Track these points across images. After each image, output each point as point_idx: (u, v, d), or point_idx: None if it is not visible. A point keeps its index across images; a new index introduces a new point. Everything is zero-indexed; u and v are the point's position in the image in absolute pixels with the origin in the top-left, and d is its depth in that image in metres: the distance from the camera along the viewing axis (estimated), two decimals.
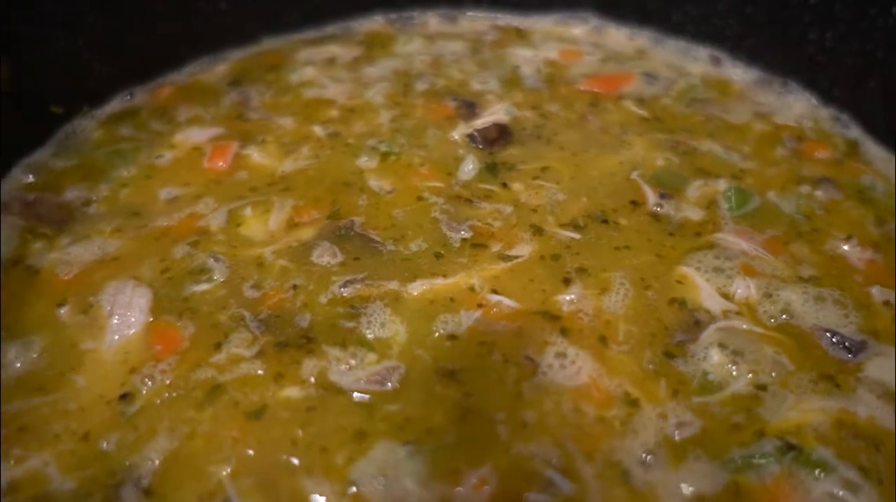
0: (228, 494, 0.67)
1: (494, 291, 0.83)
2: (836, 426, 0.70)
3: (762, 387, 0.72)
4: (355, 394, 0.74)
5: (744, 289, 0.82)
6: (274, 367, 0.77)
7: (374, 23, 1.37)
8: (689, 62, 1.22)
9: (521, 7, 1.36)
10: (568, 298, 0.82)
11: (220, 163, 1.05)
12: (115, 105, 1.17)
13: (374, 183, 1.00)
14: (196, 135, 1.11)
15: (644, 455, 0.68)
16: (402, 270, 0.87)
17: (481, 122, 1.10)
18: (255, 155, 1.06)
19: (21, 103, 1.04)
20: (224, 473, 0.69)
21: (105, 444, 0.71)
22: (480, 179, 1.00)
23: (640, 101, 1.14)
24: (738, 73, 1.18)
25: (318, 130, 1.10)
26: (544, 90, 1.18)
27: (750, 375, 0.73)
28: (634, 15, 1.28)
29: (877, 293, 0.82)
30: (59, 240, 0.94)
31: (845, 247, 0.88)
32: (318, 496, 0.67)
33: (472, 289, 0.84)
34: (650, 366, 0.75)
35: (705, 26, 1.21)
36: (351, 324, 0.81)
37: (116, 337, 0.81)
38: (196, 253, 0.90)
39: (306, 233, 0.92)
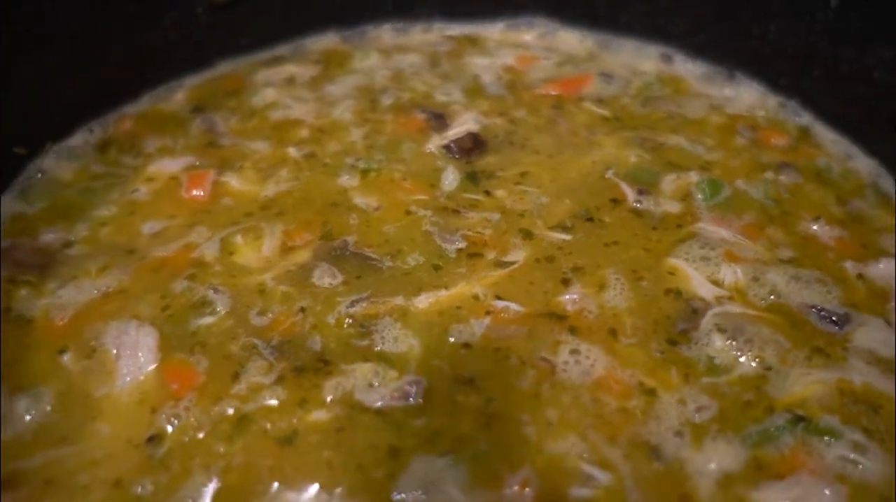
0: None
1: (499, 297, 0.86)
2: (837, 394, 0.75)
3: (768, 367, 0.78)
4: (382, 411, 0.76)
5: (731, 274, 0.88)
6: (296, 392, 0.78)
7: (328, 40, 1.38)
8: (642, 61, 1.28)
9: (470, 15, 1.39)
10: (570, 297, 0.86)
11: (200, 193, 1.04)
12: (77, 141, 1.15)
13: (359, 201, 1.01)
14: (169, 166, 1.10)
15: (671, 437, 0.72)
16: (404, 285, 0.89)
17: (454, 132, 1.12)
18: (234, 181, 1.06)
19: None
20: None
21: (140, 489, 0.71)
22: (464, 189, 1.03)
23: (601, 102, 1.19)
24: (689, 69, 1.24)
25: (293, 152, 1.11)
26: (508, 97, 1.21)
27: (754, 358, 0.78)
28: (583, 18, 1.33)
29: (850, 267, 0.89)
30: (45, 285, 0.92)
31: (815, 228, 0.94)
32: None
33: (476, 297, 0.87)
34: (658, 355, 0.80)
35: (653, 25, 1.27)
36: (364, 343, 0.82)
37: (129, 379, 0.80)
38: (195, 285, 0.90)
39: (302, 257, 0.93)
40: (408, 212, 0.99)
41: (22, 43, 1.07)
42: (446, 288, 0.88)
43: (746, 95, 1.18)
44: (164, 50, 1.25)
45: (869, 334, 0.81)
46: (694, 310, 0.84)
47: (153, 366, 0.81)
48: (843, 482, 0.68)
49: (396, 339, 0.82)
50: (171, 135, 1.16)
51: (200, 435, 0.75)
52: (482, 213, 0.98)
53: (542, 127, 1.14)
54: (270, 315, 0.86)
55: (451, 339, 0.82)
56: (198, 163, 1.10)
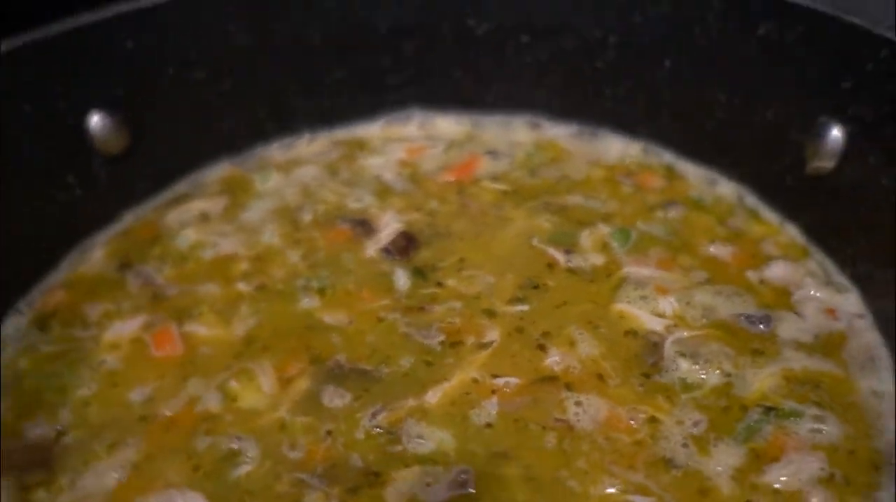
0: None
1: (495, 375, 0.99)
2: (786, 382, 0.95)
3: (728, 374, 0.96)
4: None
5: (668, 305, 1.06)
6: None
7: (222, 169, 1.44)
8: (515, 132, 1.46)
9: (349, 119, 1.51)
10: (552, 360, 1.00)
11: (171, 349, 1.08)
12: (11, 327, 1.14)
13: (329, 319, 1.10)
14: (125, 329, 1.12)
15: (681, 449, 0.88)
16: (409, 387, 0.99)
17: (385, 235, 1.24)
18: (200, 329, 1.11)
19: None
20: None
21: None
22: (417, 286, 1.14)
23: (496, 179, 1.35)
24: (557, 132, 1.44)
25: (243, 287, 1.17)
26: (415, 191, 1.35)
27: (715, 369, 0.97)
28: (453, 103, 1.49)
29: (751, 275, 1.10)
30: (58, 481, 0.93)
31: (712, 249, 1.16)
32: None
33: (475, 380, 0.99)
34: (641, 389, 0.96)
35: (517, 99, 1.46)
36: (399, 448, 0.92)
37: None
38: (216, 439, 0.95)
39: (303, 385, 1.01)
40: (380, 320, 1.09)
41: None
42: (447, 379, 0.99)
43: (613, 146, 1.39)
44: (70, 210, 1.26)
45: (787, 327, 1.02)
46: (654, 344, 1.01)
47: None
48: (819, 448, 0.88)
49: (426, 437, 0.93)
50: (111, 298, 1.18)
51: None
52: (444, 304, 1.10)
53: (456, 213, 1.28)
54: (302, 446, 0.93)
55: (475, 423, 0.94)
56: (153, 320, 1.13)
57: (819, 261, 1.12)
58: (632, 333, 1.04)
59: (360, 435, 0.94)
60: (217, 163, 1.45)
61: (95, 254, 1.27)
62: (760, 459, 0.88)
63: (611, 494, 0.85)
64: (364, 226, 1.26)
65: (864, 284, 1.05)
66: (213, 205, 1.36)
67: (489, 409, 0.95)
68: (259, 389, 1.01)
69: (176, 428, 0.97)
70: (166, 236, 1.29)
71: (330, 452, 0.92)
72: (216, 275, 1.20)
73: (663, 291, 1.09)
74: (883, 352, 0.98)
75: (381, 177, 1.39)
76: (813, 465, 0.85)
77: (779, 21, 1.12)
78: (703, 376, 0.97)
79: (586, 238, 1.20)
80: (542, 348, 1.03)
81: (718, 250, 1.15)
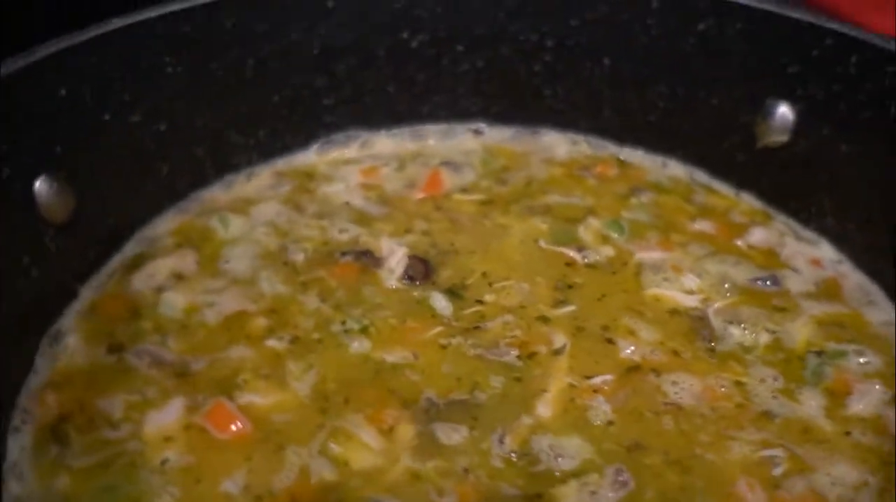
0: None
1: (587, 376, 1.05)
2: (819, 327, 1.13)
3: (773, 332, 1.11)
4: None
5: (690, 281, 1.19)
6: None
7: (170, 221, 1.31)
8: (460, 142, 1.50)
9: (286, 149, 1.45)
10: (627, 351, 1.09)
11: (239, 426, 1.00)
12: (17, 448, 0.97)
13: (391, 358, 1.08)
14: (166, 418, 1.01)
15: (774, 400, 1.02)
16: (514, 406, 1.02)
17: (395, 262, 1.23)
18: (256, 399, 1.03)
19: None
20: None
21: None
22: (460, 307, 1.16)
23: (466, 191, 1.39)
24: (501, 135, 1.50)
25: (276, 344, 1.10)
26: (393, 213, 1.34)
27: (762, 330, 1.11)
28: (389, 119, 1.49)
29: (740, 243, 1.27)
30: None
31: (696, 226, 1.30)
32: None
33: (572, 385, 1.04)
34: (713, 360, 1.08)
35: (454, 108, 1.50)
36: (542, 467, 0.95)
37: None
38: None
39: (410, 431, 0.99)
40: (443, 348, 1.10)
41: None
42: (545, 390, 1.03)
43: (557, 144, 1.49)
44: (31, 297, 1.09)
45: (792, 282, 1.20)
46: (699, 318, 1.14)
47: None
48: (873, 377, 1.06)
49: (562, 449, 0.97)
50: (126, 387, 1.05)
51: None
52: (496, 320, 1.13)
53: (450, 229, 1.30)
54: (451, 490, 0.92)
55: (596, 424, 0.99)
56: (195, 401, 1.03)
57: (783, 221, 1.31)
58: (675, 312, 1.15)
59: (497, 463, 0.95)
60: (162, 214, 1.33)
61: (70, 344, 1.11)
62: (836, 396, 1.04)
63: (747, 455, 0.96)
64: (368, 257, 1.24)
65: (832, 235, 1.26)
66: (181, 261, 1.24)
67: (602, 408, 1.01)
68: (366, 446, 0.98)
69: None
70: (146, 307, 1.17)
71: (479, 488, 0.93)
72: (237, 338, 1.11)
73: (678, 270, 1.21)
74: (873, 288, 1.19)
75: (350, 203, 1.36)
76: (877, 392, 1.03)
77: (718, 18, 1.29)
78: (754, 338, 1.11)
79: (584, 233, 1.29)
80: (610, 341, 1.10)
81: (701, 225, 1.31)
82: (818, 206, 1.27)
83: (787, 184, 1.31)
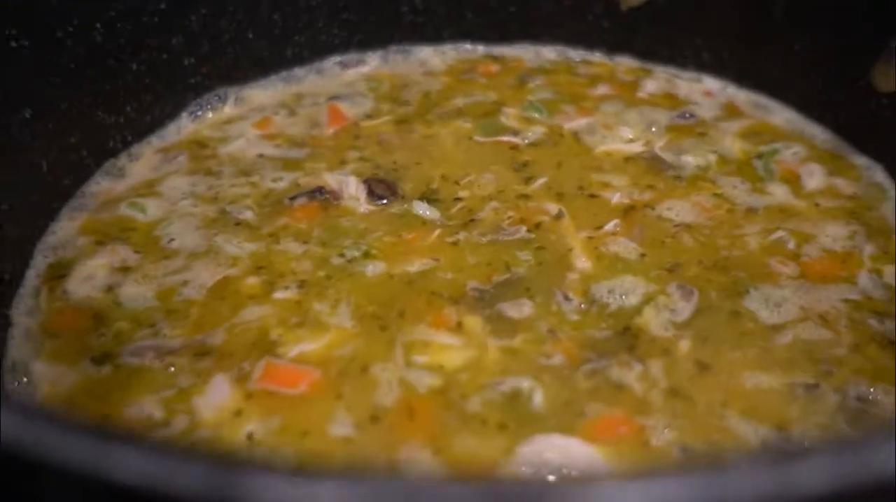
0: None
1: (598, 227, 1.11)
2: (745, 138, 1.29)
3: (714, 151, 1.26)
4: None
5: (625, 132, 1.30)
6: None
7: (72, 223, 1.14)
8: (337, 75, 1.46)
9: (158, 123, 1.32)
10: (615, 198, 1.16)
11: (304, 378, 0.91)
12: None
13: (414, 268, 1.05)
14: (217, 396, 0.90)
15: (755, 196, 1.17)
16: (553, 269, 1.05)
17: (355, 188, 1.18)
18: (305, 347, 0.96)
19: None
20: None
21: None
22: (445, 208, 1.15)
23: (371, 117, 1.36)
24: (372, 63, 1.49)
25: (285, 295, 1.02)
26: (318, 152, 1.27)
27: (706, 153, 1.25)
28: (255, 69, 1.42)
29: (642, 94, 1.40)
30: None
31: (597, 91, 1.42)
32: None
33: (590, 237, 1.10)
34: (685, 184, 1.20)
35: (318, 44, 1.46)
36: (614, 306, 1.00)
37: None
38: (484, 392, 0.88)
39: (476, 322, 0.98)
40: (455, 245, 1.09)
41: None
42: (571, 248, 1.08)
43: (431, 58, 1.51)
44: None
45: (701, 110, 1.35)
46: (652, 157, 1.25)
47: None
48: (805, 161, 1.24)
49: (620, 287, 1.02)
50: (147, 388, 0.92)
51: None
52: (485, 209, 1.15)
53: (384, 150, 1.27)
54: (554, 352, 0.94)
55: (633, 257, 1.06)
56: (238, 373, 0.92)
57: (663, 70, 1.47)
58: (629, 159, 1.25)
59: (574, 317, 0.99)
60: (57, 219, 1.15)
61: (38, 370, 0.95)
62: (791, 181, 1.20)
63: (761, 242, 1.09)
64: (322, 193, 1.18)
65: (710, 68, 1.43)
66: (114, 256, 1.10)
67: (629, 245, 1.08)
68: (448, 346, 0.95)
69: (421, 416, 0.87)
70: (107, 308, 1.02)
71: (575, 339, 0.95)
72: (239, 302, 1.02)
73: (608, 127, 1.32)
74: (761, 99, 1.38)
75: (265, 154, 1.28)
76: (817, 168, 1.22)
77: None
78: (705, 159, 1.24)
79: (508, 121, 1.34)
80: (593, 196, 1.17)
81: (601, 90, 1.42)
82: (691, 48, 1.44)
83: (658, 36, 1.46)
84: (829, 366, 0.93)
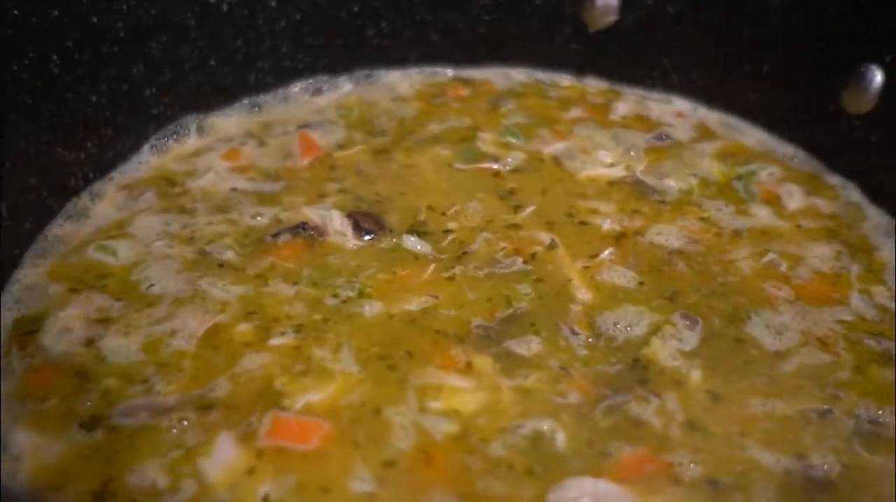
0: None
1: (593, 256, 1.12)
2: (721, 160, 1.32)
3: (694, 175, 1.29)
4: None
5: (604, 156, 1.32)
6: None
7: (38, 270, 1.08)
8: (304, 102, 1.43)
9: (120, 158, 1.26)
10: (605, 225, 1.17)
11: (314, 431, 0.89)
12: None
13: (413, 307, 1.04)
14: (224, 456, 0.87)
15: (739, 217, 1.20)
16: (553, 301, 1.05)
17: (339, 223, 1.16)
18: (311, 397, 0.93)
19: None
20: None
21: None
22: (436, 242, 1.14)
23: (344, 146, 1.33)
24: (340, 89, 1.47)
25: (282, 341, 0.99)
26: (292, 185, 1.24)
27: (685, 176, 1.28)
28: (218, 97, 1.37)
29: (613, 116, 1.42)
30: None
31: (570, 114, 1.43)
32: None
33: (587, 267, 1.11)
34: (670, 209, 1.22)
35: (282, 70, 1.43)
36: (621, 339, 1.01)
37: None
38: (494, 445, 0.88)
39: (485, 362, 0.97)
40: (451, 280, 1.08)
41: None
42: (570, 279, 1.08)
43: (399, 82, 1.50)
44: None
45: (675, 131, 1.38)
46: (635, 181, 1.27)
47: None
48: (782, 181, 1.29)
49: (623, 318, 1.03)
50: (149, 451, 0.87)
51: None
52: (476, 241, 1.14)
53: (363, 182, 1.24)
54: (569, 390, 0.94)
55: (632, 286, 1.07)
56: (243, 430, 0.89)
57: (632, 92, 1.49)
58: (612, 184, 1.26)
59: (583, 351, 0.99)
60: (21, 266, 1.09)
61: (22, 441, 0.89)
62: (773, 202, 1.24)
63: (754, 266, 1.12)
64: (306, 229, 1.15)
65: (679, 89, 1.46)
66: (90, 305, 1.04)
67: (627, 274, 1.09)
68: (460, 390, 0.94)
69: (439, 462, 0.86)
70: (90, 364, 0.97)
71: (587, 376, 0.96)
72: (235, 351, 0.98)
73: (586, 152, 1.33)
74: (732, 120, 1.41)
75: (238, 188, 1.24)
76: (796, 189, 1.26)
77: None
78: (687, 183, 1.27)
79: (486, 146, 1.34)
80: (584, 223, 1.18)
81: (574, 113, 1.43)
82: (660, 69, 1.47)
83: (626, 58, 1.49)
84: (835, 390, 0.96)
